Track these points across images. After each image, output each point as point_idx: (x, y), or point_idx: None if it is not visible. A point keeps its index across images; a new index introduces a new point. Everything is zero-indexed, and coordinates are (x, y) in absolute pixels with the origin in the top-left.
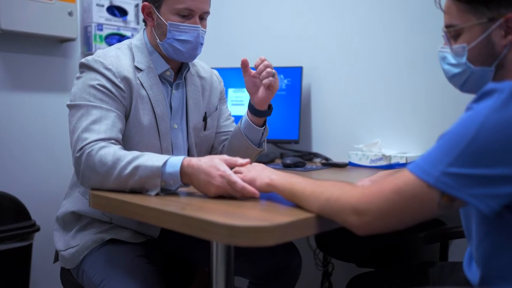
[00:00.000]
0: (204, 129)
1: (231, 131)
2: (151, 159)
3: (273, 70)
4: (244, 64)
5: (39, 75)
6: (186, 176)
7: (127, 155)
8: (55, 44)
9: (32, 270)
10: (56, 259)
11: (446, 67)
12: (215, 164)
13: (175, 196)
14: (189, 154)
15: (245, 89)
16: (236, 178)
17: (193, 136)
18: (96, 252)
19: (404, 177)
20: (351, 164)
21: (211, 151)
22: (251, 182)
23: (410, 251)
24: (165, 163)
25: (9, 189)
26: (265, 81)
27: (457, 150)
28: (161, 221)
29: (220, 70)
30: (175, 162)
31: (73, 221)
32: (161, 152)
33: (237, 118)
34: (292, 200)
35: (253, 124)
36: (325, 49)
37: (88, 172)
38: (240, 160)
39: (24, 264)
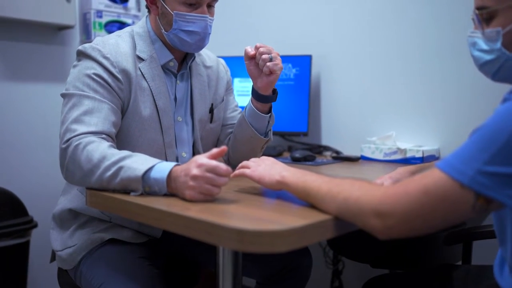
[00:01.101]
0: (211, 122)
1: None
2: (138, 161)
3: (269, 55)
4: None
5: (36, 64)
6: (172, 181)
7: (114, 155)
8: (53, 32)
9: (29, 268)
10: (53, 258)
11: (477, 53)
12: (194, 159)
13: None
14: (194, 148)
15: None
16: (216, 163)
17: (199, 129)
18: (94, 253)
19: (433, 176)
20: (363, 157)
21: (217, 144)
22: (260, 180)
23: (429, 252)
24: (151, 168)
25: (5, 183)
26: (264, 69)
27: (495, 147)
28: (163, 223)
29: (226, 59)
30: (163, 167)
31: (70, 219)
32: (164, 148)
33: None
34: (306, 200)
35: (258, 111)
36: (336, 36)
37: (72, 166)
38: (214, 149)
39: (21, 262)
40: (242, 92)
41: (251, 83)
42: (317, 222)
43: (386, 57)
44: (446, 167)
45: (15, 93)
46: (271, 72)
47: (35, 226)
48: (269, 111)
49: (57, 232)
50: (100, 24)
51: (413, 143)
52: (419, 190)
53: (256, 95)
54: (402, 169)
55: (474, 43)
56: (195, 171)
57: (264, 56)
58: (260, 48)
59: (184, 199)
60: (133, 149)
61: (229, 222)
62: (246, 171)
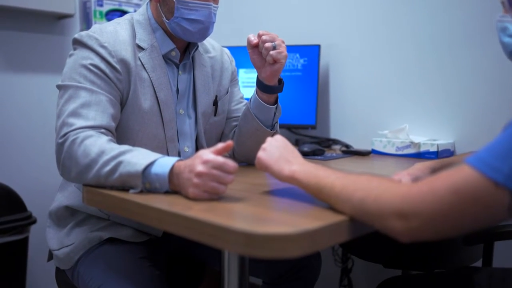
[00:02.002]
0: (215, 114)
1: None
2: (138, 156)
3: (272, 43)
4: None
5: (34, 54)
6: (174, 177)
7: (114, 149)
8: (52, 21)
9: (28, 266)
10: (50, 257)
11: (507, 39)
12: (199, 154)
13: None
14: (198, 142)
15: None
16: (224, 159)
17: (202, 122)
18: (92, 252)
19: (463, 174)
20: (374, 152)
21: (221, 138)
22: (267, 169)
23: (446, 253)
24: (153, 162)
25: (2, 178)
26: (267, 58)
27: None
28: (164, 224)
29: (230, 49)
30: (166, 162)
31: (67, 216)
32: (165, 142)
33: None
34: (317, 197)
35: (263, 103)
36: (345, 25)
37: (68, 162)
38: (220, 144)
39: (19, 260)
40: (247, 84)
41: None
42: (332, 224)
43: (398, 46)
44: (478, 163)
45: (13, 83)
46: (275, 61)
47: (34, 222)
48: (275, 102)
49: (54, 230)
50: (101, 13)
51: (427, 137)
52: (447, 189)
53: (261, 85)
54: (421, 165)
55: (505, 28)
56: (200, 167)
57: (267, 45)
58: (263, 36)
59: (187, 197)
60: (133, 144)
61: (235, 224)
62: (260, 154)
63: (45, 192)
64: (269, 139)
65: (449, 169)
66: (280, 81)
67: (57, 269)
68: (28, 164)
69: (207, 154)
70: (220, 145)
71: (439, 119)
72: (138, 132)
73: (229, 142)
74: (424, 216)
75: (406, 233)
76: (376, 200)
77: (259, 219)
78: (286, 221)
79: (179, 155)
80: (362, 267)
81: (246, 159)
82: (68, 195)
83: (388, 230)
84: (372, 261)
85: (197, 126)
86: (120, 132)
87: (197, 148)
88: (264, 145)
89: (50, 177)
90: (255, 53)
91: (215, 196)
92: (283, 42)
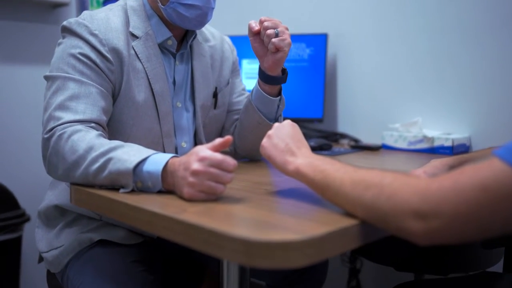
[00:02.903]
0: (214, 107)
1: None
2: (129, 152)
3: (275, 29)
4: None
5: (28, 45)
6: (168, 175)
7: (103, 145)
8: (47, 10)
9: (22, 265)
10: (41, 259)
11: None
12: (195, 151)
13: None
14: (196, 137)
15: None
16: (222, 156)
17: (201, 115)
18: (83, 255)
19: (492, 168)
20: (385, 146)
21: (222, 133)
22: (269, 159)
23: (463, 256)
24: (145, 159)
25: None
26: (269, 46)
27: None
28: (155, 227)
29: (232, 38)
30: (159, 159)
31: (56, 216)
32: (161, 137)
33: None
34: (324, 195)
35: (266, 94)
36: (354, 12)
37: (55, 158)
38: (218, 140)
39: (13, 259)
40: (251, 75)
41: None
42: (341, 229)
43: (410, 35)
44: (511, 156)
45: (5, 75)
46: (277, 49)
47: (28, 220)
48: (279, 93)
49: (43, 231)
50: (98, 1)
51: (441, 130)
52: (474, 186)
53: (263, 76)
54: (438, 162)
55: None
56: (196, 165)
57: (269, 31)
58: (265, 22)
59: (182, 197)
60: (127, 139)
61: (233, 230)
62: (265, 142)
63: (39, 189)
64: (276, 125)
65: (474, 163)
66: (284, 71)
67: (48, 271)
68: (21, 160)
69: (204, 150)
70: (218, 141)
71: (454, 112)
72: (132, 126)
73: (228, 137)
74: (446, 216)
75: (424, 236)
76: (391, 197)
77: (260, 224)
78: (290, 226)
79: (176, 151)
80: (372, 268)
81: (248, 154)
82: (58, 193)
83: (404, 232)
84: (383, 263)
85: (195, 120)
86: (113, 127)
87: (196, 144)
88: (270, 132)
89: (44, 173)
90: (256, 41)
91: (212, 197)
92: (286, 28)
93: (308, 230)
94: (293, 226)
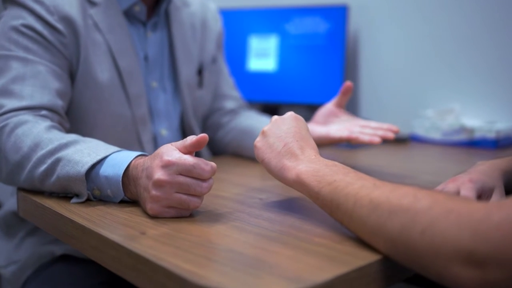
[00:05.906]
0: (200, 86)
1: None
2: (84, 151)
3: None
4: (347, 90)
5: None
6: (131, 182)
7: (52, 141)
8: None
9: None
10: None
11: None
12: (159, 153)
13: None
14: (184, 122)
15: (272, 36)
16: (194, 160)
17: (187, 95)
18: (42, 273)
19: None
20: (414, 138)
21: (207, 120)
22: (262, 164)
23: None
24: (102, 160)
25: None
26: (365, 138)
27: None
28: (102, 257)
29: (238, 12)
30: (120, 160)
31: (16, 223)
32: (134, 124)
33: (261, 76)
34: (331, 214)
35: None
36: None
37: None
38: (190, 138)
39: None
40: (260, 54)
41: (271, 42)
42: (354, 270)
43: (446, 9)
44: None
45: None
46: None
47: None
48: None
49: (2, 241)
50: None
51: (482, 119)
52: None
53: None
54: (487, 166)
55: None
56: (159, 173)
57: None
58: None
59: (146, 212)
60: (91, 129)
61: (206, 274)
62: (258, 141)
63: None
64: (274, 119)
65: None
66: None
67: None
68: None
69: (170, 152)
70: (190, 139)
71: (498, 97)
72: (96, 112)
73: (203, 135)
74: None
75: (479, 286)
76: (428, 230)
77: (246, 262)
78: (287, 267)
79: (154, 140)
80: None
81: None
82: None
83: (449, 280)
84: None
85: (181, 102)
86: (73, 115)
87: (184, 131)
88: (266, 127)
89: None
90: (336, 102)
91: (185, 213)
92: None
93: (311, 274)
94: (291, 266)
